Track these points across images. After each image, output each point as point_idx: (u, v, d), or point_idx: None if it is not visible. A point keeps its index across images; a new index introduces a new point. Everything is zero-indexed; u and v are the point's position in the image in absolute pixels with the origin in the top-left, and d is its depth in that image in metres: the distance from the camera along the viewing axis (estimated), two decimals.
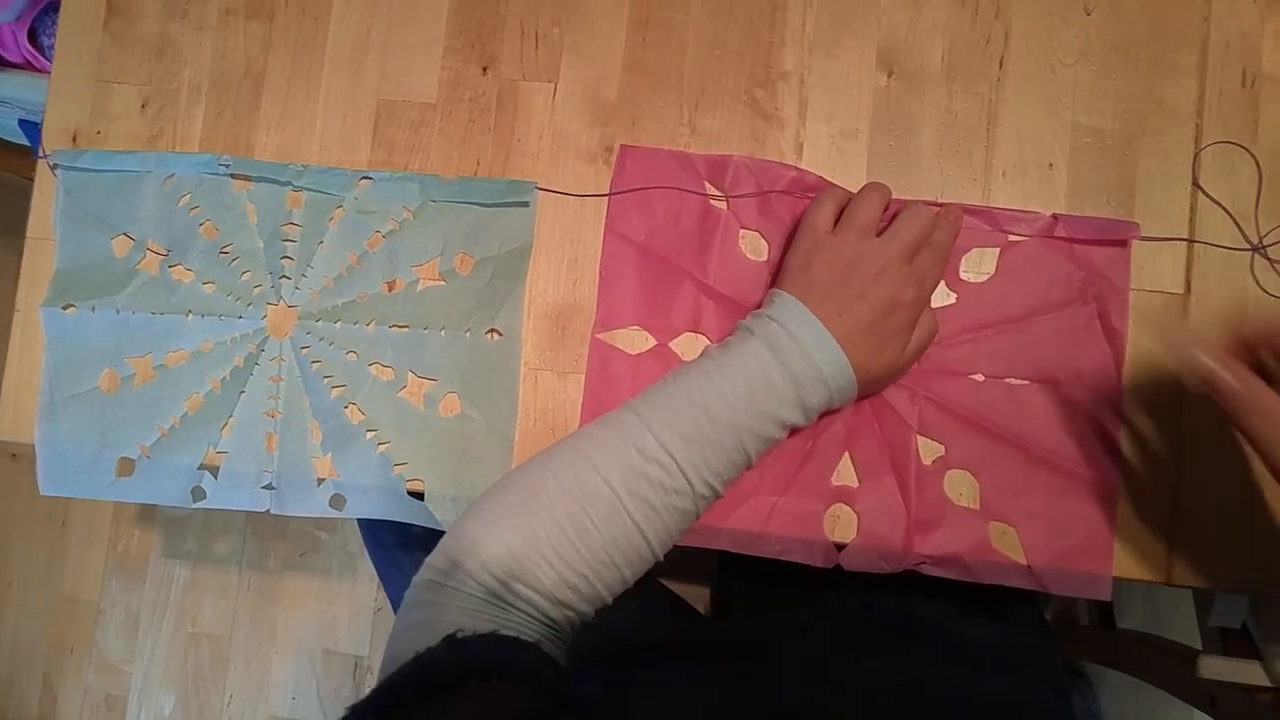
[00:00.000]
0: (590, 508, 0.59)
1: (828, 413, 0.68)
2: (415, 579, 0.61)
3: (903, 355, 0.67)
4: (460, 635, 0.54)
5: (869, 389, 0.68)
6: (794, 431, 0.67)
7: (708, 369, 0.64)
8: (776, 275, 0.72)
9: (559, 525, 0.59)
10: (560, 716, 0.53)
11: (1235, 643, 1.03)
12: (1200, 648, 1.05)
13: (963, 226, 0.72)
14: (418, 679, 0.51)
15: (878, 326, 0.65)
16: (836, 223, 0.69)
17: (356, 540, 1.85)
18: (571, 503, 0.60)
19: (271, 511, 0.75)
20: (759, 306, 0.69)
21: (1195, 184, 0.72)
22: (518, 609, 0.58)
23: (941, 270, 0.69)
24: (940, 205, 0.72)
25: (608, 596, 0.62)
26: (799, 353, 0.63)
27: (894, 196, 0.70)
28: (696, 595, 1.01)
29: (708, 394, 0.62)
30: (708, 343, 0.73)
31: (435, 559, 0.60)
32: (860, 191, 0.69)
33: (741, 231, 0.74)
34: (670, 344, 0.74)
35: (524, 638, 0.57)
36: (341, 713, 0.49)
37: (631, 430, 0.62)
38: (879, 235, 0.67)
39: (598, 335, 0.74)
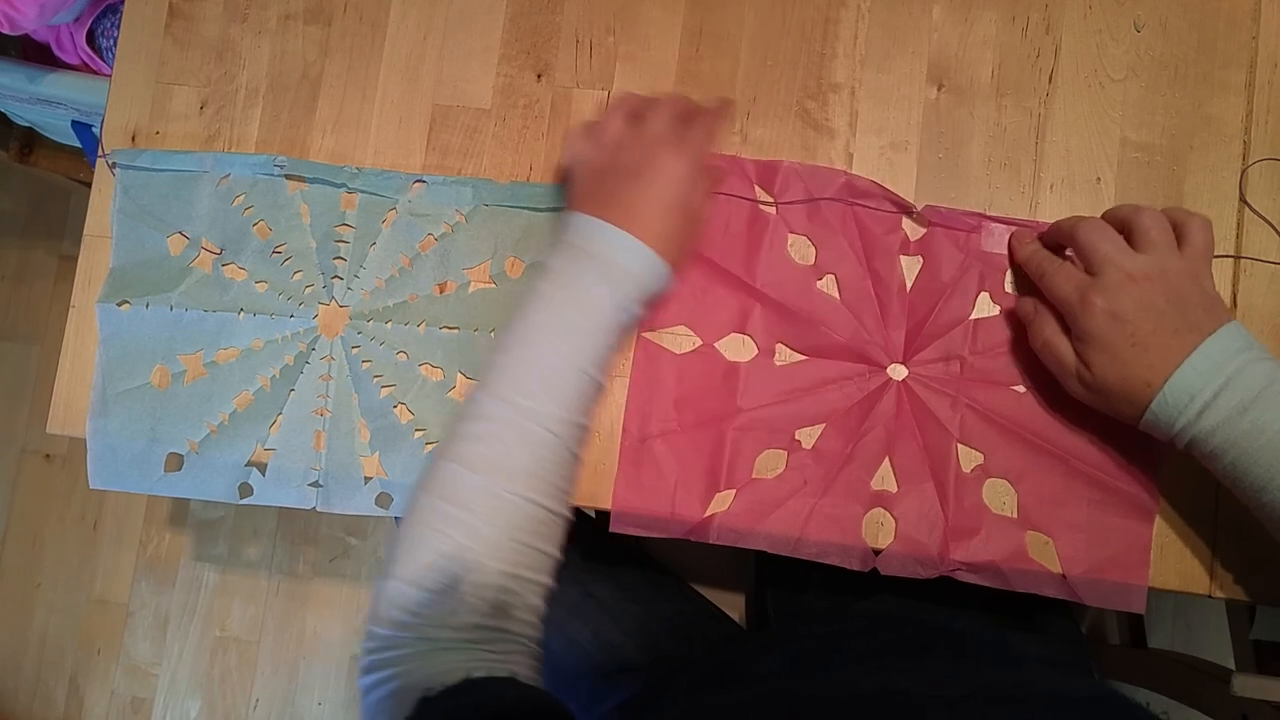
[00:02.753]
0: (472, 507, 0.59)
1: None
2: (361, 665, 0.59)
3: (696, 222, 0.70)
4: (431, 693, 0.53)
5: (681, 263, 0.69)
6: (627, 331, 0.68)
7: (526, 315, 0.64)
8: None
9: (452, 541, 0.58)
10: None
11: (1270, 662, 1.03)
12: (1233, 666, 1.05)
13: (1009, 240, 0.73)
14: None
15: (651, 197, 0.66)
16: None
17: (387, 546, 1.85)
18: (452, 511, 0.59)
19: (318, 509, 0.76)
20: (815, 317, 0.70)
21: (1242, 199, 0.73)
22: (464, 639, 0.57)
23: (708, 138, 0.71)
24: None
25: (541, 578, 0.62)
26: (592, 256, 0.64)
27: (910, 200, 0.73)
28: (733, 604, 1.01)
29: (532, 339, 0.63)
30: (753, 344, 0.74)
31: (367, 639, 0.59)
32: (608, 110, 0.73)
33: (790, 236, 0.75)
34: (716, 344, 0.75)
35: (496, 674, 0.56)
36: None
37: (480, 410, 0.62)
38: None
39: (644, 334, 0.75)
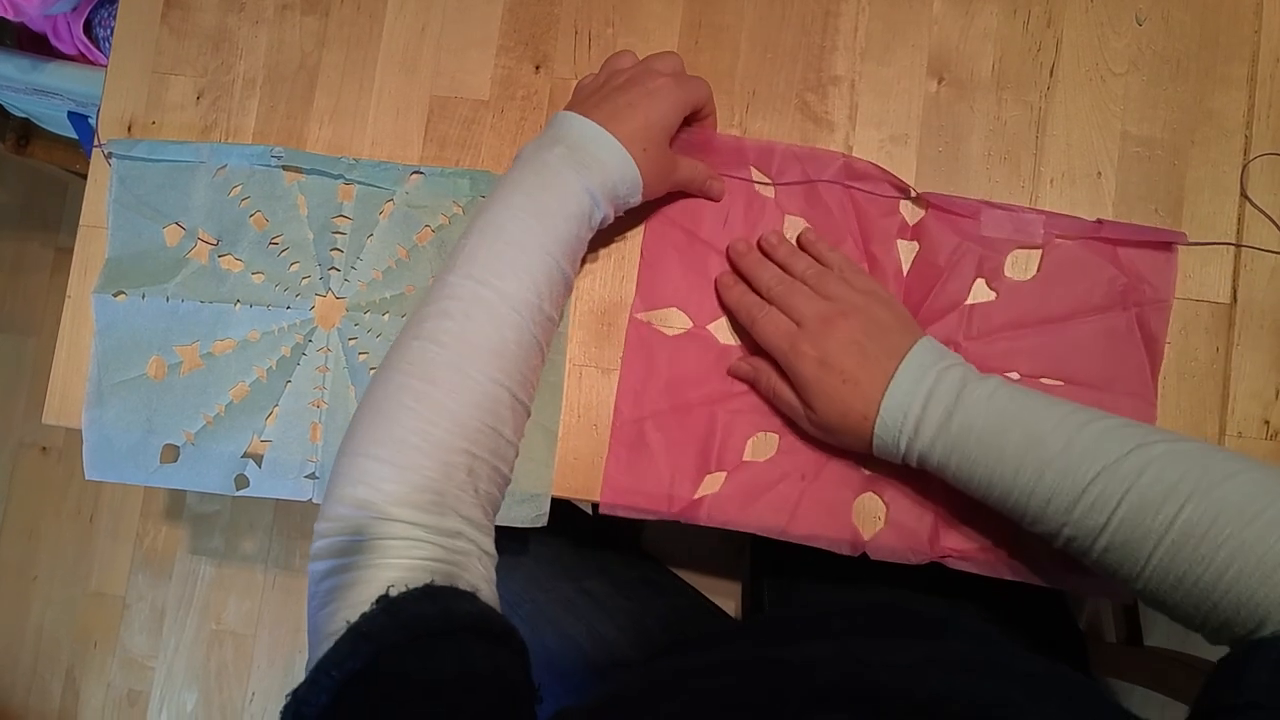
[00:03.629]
0: (440, 383, 0.58)
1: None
2: (313, 549, 0.57)
3: (673, 135, 0.70)
4: (392, 593, 0.51)
5: (653, 171, 0.69)
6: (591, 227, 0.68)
7: (494, 202, 0.64)
8: None
9: (420, 416, 0.57)
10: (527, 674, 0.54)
11: None
12: None
13: (1008, 227, 0.74)
14: (401, 630, 0.49)
15: (638, 106, 0.66)
16: None
17: None
18: (420, 386, 0.58)
19: (314, 501, 0.75)
20: None
21: (1243, 194, 0.72)
22: (425, 525, 0.55)
23: (702, 91, 0.71)
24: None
25: (503, 468, 0.61)
26: (565, 143, 0.65)
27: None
28: (729, 593, 1.01)
29: (502, 223, 0.63)
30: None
31: (322, 516, 0.57)
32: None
33: (787, 218, 0.75)
34: (708, 326, 0.74)
35: (458, 584, 0.54)
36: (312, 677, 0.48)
37: (448, 290, 0.61)
38: None
39: (637, 315, 0.75)
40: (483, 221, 0.63)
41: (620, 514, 0.72)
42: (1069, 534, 0.60)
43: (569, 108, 0.68)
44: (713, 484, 0.73)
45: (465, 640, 0.51)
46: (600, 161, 0.64)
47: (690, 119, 0.72)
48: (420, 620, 0.50)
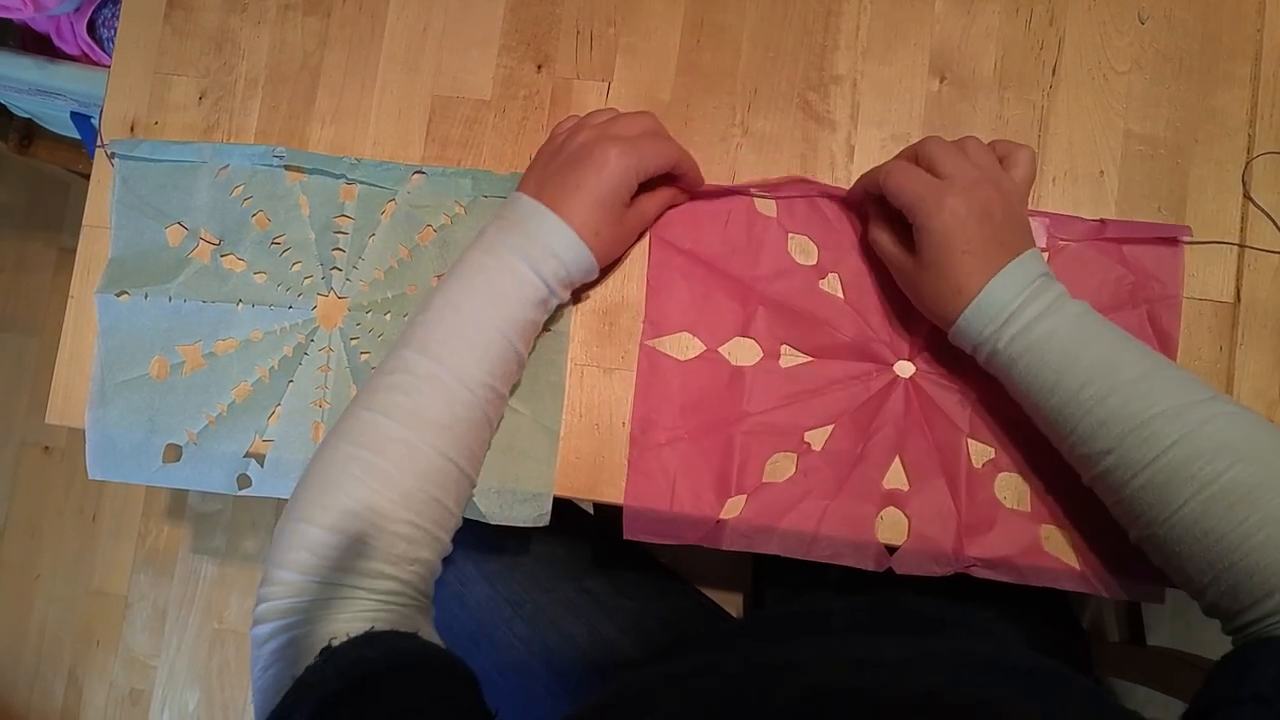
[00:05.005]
0: (388, 455, 0.60)
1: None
2: (255, 614, 0.59)
3: (626, 218, 0.69)
4: (335, 644, 0.53)
5: (605, 255, 0.69)
6: (551, 310, 0.70)
7: (452, 278, 0.66)
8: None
9: (367, 487, 0.59)
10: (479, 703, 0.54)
11: None
12: None
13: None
14: (342, 677, 0.51)
15: (590, 189, 0.66)
16: None
17: None
18: (369, 457, 0.60)
19: None
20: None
21: (1246, 195, 0.72)
22: (367, 588, 0.57)
23: (665, 153, 0.69)
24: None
25: (444, 536, 0.63)
26: (523, 234, 0.65)
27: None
28: (731, 603, 1.01)
29: (457, 301, 0.64)
30: (757, 347, 0.74)
31: (265, 585, 0.59)
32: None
33: (791, 237, 0.75)
34: (719, 349, 0.74)
35: (400, 628, 0.56)
36: None
37: (403, 364, 0.63)
38: None
39: (647, 342, 0.74)
40: (441, 299, 0.65)
41: (643, 539, 0.72)
42: (1111, 462, 0.60)
43: (527, 175, 0.70)
44: (733, 507, 0.72)
45: (410, 677, 0.53)
46: (554, 252, 0.65)
47: (669, 178, 0.72)
48: (363, 664, 0.52)
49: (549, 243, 0.65)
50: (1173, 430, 0.57)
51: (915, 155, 0.68)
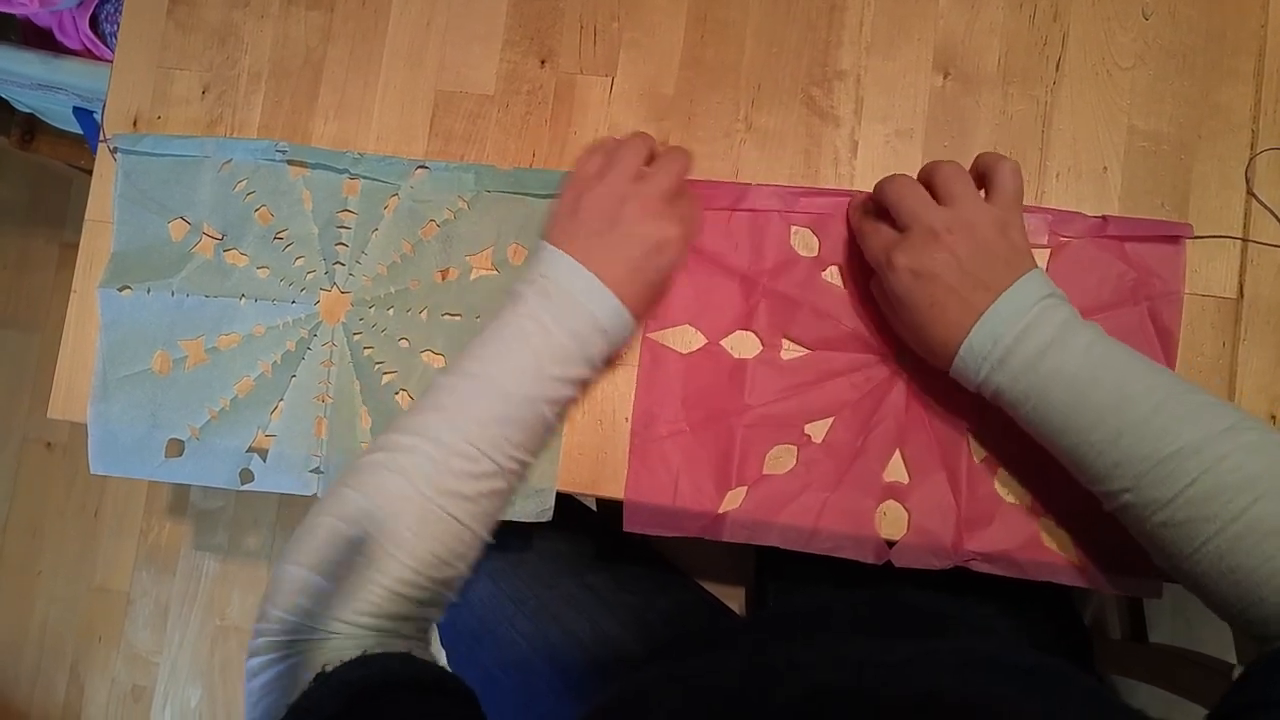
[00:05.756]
0: (404, 517, 0.59)
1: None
2: (251, 647, 0.59)
3: (667, 291, 0.70)
4: (329, 668, 0.53)
5: (641, 315, 0.69)
6: (585, 386, 0.68)
7: (491, 343, 0.64)
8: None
9: (377, 544, 0.58)
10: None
11: None
12: (1234, 660, 1.04)
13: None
14: (336, 697, 0.51)
15: (646, 267, 0.65)
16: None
17: None
18: (384, 518, 0.58)
19: (319, 496, 0.75)
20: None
21: (1249, 191, 0.72)
22: (359, 638, 0.57)
23: (701, 215, 0.71)
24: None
25: (451, 595, 0.62)
26: (574, 308, 0.63)
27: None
28: (734, 597, 1.01)
29: (494, 372, 0.63)
30: (758, 340, 0.74)
31: (262, 621, 0.59)
32: (624, 139, 0.70)
33: (792, 229, 0.74)
34: (721, 342, 0.74)
35: (393, 650, 0.56)
36: None
37: (428, 427, 0.61)
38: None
39: (649, 334, 0.74)
40: (474, 362, 0.64)
41: (644, 532, 0.72)
42: (1129, 500, 0.59)
43: (562, 226, 0.67)
44: (734, 499, 0.72)
45: (407, 695, 0.53)
46: (602, 330, 0.65)
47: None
48: (357, 684, 0.52)
49: (600, 322, 0.64)
50: (1191, 468, 0.56)
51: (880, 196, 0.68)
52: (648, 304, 0.68)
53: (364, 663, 0.54)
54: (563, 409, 0.66)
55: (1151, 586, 0.69)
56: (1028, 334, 0.60)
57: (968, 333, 0.62)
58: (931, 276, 0.62)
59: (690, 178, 0.72)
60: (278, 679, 0.55)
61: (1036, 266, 0.63)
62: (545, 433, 0.66)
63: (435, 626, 0.64)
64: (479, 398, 0.62)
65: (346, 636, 0.56)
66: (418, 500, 0.59)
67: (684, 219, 0.67)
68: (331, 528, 0.59)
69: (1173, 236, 0.71)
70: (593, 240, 0.65)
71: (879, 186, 0.68)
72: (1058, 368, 0.60)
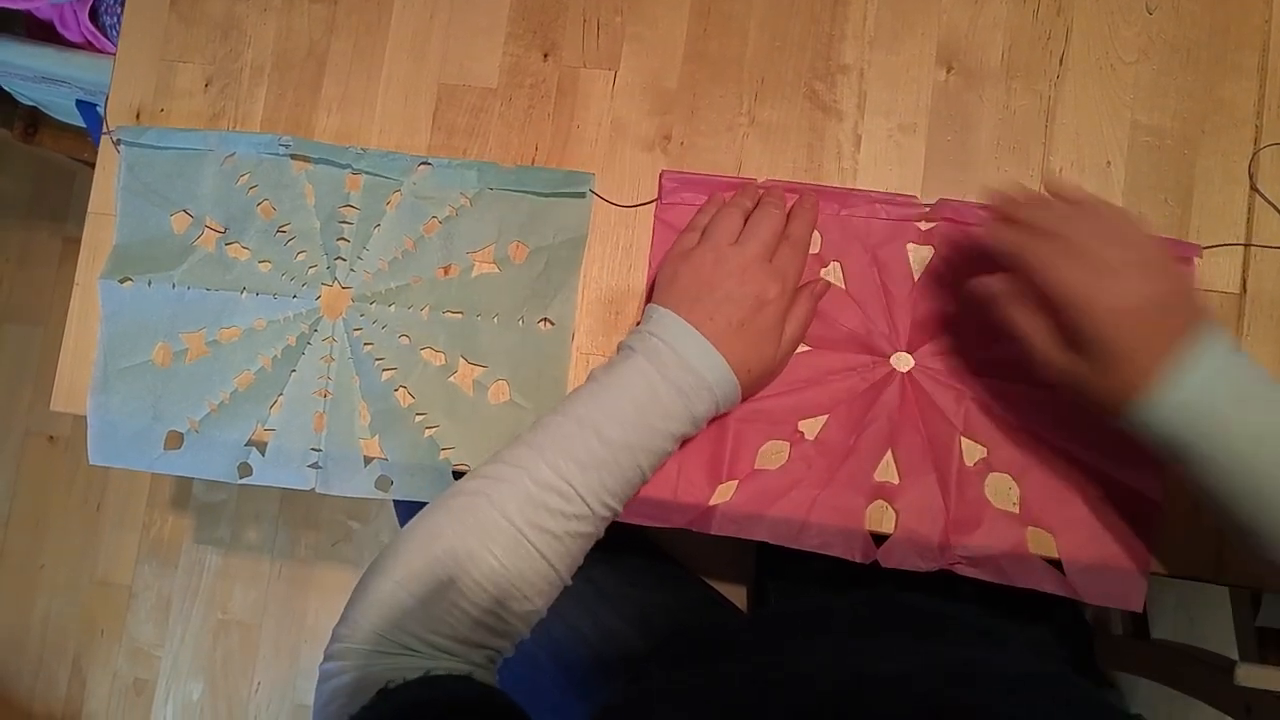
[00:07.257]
0: (493, 545, 0.60)
1: (716, 417, 0.70)
2: (327, 651, 0.60)
3: (779, 350, 0.69)
4: (391, 685, 0.54)
5: (751, 389, 0.70)
6: (685, 442, 0.69)
7: (597, 392, 0.65)
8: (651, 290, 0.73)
9: (465, 570, 0.59)
10: None
11: (1273, 652, 1.03)
12: (1236, 657, 1.05)
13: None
14: (395, 715, 0.52)
15: (749, 326, 0.66)
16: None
17: (389, 530, 1.85)
18: (474, 543, 0.60)
19: (317, 490, 0.75)
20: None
21: (1253, 187, 0.72)
22: (432, 658, 0.58)
23: (802, 261, 0.71)
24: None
25: (524, 630, 0.63)
26: (682, 365, 0.65)
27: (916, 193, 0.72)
28: (735, 595, 1.01)
29: (598, 417, 0.64)
30: None
31: (342, 626, 0.60)
32: (719, 211, 0.71)
33: None
34: None
35: (455, 672, 0.57)
36: None
37: (526, 461, 0.62)
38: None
39: None
40: (583, 412, 0.64)
41: (632, 521, 0.72)
42: None
43: (681, 290, 0.68)
44: (724, 493, 0.72)
45: (463, 718, 0.54)
46: (716, 401, 0.66)
47: None
48: (416, 705, 0.53)
49: (705, 380, 0.65)
50: None
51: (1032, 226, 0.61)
52: (758, 360, 0.68)
53: (428, 683, 0.55)
54: (657, 462, 0.67)
55: (1133, 599, 0.69)
56: (1220, 403, 0.56)
57: (1150, 385, 0.56)
58: (1129, 319, 0.56)
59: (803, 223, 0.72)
60: (346, 687, 0.56)
61: (1207, 314, 0.59)
62: (638, 484, 0.66)
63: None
64: (582, 440, 0.63)
65: (419, 655, 0.58)
66: (510, 531, 0.60)
67: (783, 272, 0.68)
68: (425, 548, 0.60)
69: (1184, 259, 0.71)
70: (695, 304, 0.67)
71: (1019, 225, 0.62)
72: (1258, 437, 0.55)
